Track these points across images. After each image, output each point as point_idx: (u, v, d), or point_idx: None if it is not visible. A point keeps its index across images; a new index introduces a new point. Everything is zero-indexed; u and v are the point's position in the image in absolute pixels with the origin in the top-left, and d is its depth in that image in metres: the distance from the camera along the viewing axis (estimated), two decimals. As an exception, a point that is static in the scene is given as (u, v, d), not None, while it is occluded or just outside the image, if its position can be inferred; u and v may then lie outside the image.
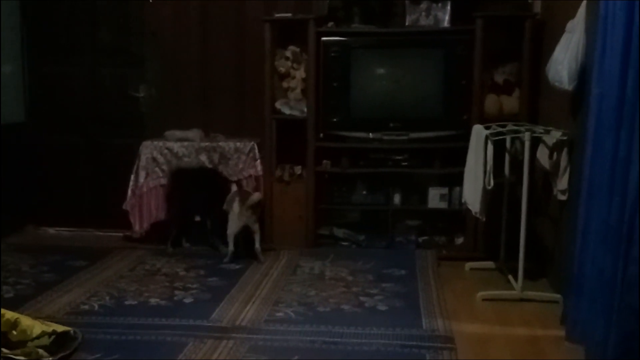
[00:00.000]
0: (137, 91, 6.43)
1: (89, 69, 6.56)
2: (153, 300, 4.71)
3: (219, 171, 5.88)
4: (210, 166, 5.88)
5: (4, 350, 3.64)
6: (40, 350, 3.69)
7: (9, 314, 3.83)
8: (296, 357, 3.79)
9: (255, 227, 5.61)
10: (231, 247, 5.59)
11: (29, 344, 3.72)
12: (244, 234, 5.67)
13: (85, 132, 6.62)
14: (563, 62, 4.23)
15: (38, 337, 3.75)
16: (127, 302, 4.67)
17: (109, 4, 6.43)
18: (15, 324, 3.77)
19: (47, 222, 6.60)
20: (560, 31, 4.39)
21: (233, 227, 5.58)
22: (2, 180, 6.07)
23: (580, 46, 4.12)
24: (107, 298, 4.74)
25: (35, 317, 4.03)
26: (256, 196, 5.60)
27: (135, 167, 5.99)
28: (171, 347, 3.92)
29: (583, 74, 4.08)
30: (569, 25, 4.27)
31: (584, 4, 4.14)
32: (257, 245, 5.61)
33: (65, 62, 6.58)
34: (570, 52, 4.18)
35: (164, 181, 5.95)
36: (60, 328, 3.89)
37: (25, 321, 3.83)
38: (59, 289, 4.93)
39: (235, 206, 5.56)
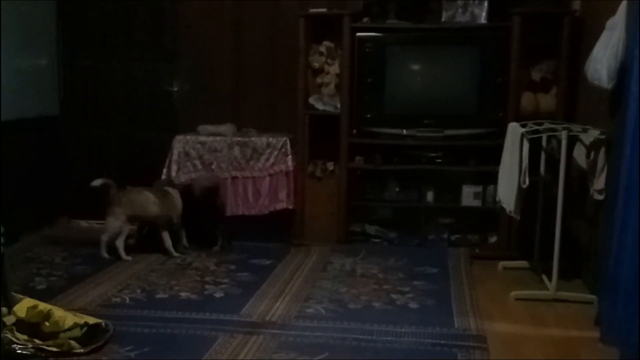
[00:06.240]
0: (170, 85, 6.45)
1: (123, 63, 6.59)
2: (184, 294, 4.72)
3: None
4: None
5: (36, 341, 3.66)
6: (72, 342, 3.71)
7: (42, 306, 3.87)
8: (326, 354, 3.77)
9: None
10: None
11: (61, 335, 3.75)
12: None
13: (119, 125, 6.65)
14: (602, 60, 4.16)
15: (70, 329, 3.78)
16: (158, 296, 4.69)
17: (144, -2, 6.48)
18: (48, 316, 3.81)
19: (80, 215, 6.64)
20: (600, 28, 4.31)
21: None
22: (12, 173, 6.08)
23: (620, 44, 4.04)
24: (138, 291, 4.76)
25: (68, 309, 4.06)
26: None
27: (167, 160, 6.02)
28: (201, 341, 3.92)
29: (623, 73, 4.00)
30: (609, 22, 4.19)
31: (624, 1, 4.07)
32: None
33: (99, 56, 6.61)
34: (610, 50, 4.10)
35: (195, 175, 5.97)
36: (92, 320, 3.92)
37: (58, 313, 3.87)
38: (91, 282, 4.96)
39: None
